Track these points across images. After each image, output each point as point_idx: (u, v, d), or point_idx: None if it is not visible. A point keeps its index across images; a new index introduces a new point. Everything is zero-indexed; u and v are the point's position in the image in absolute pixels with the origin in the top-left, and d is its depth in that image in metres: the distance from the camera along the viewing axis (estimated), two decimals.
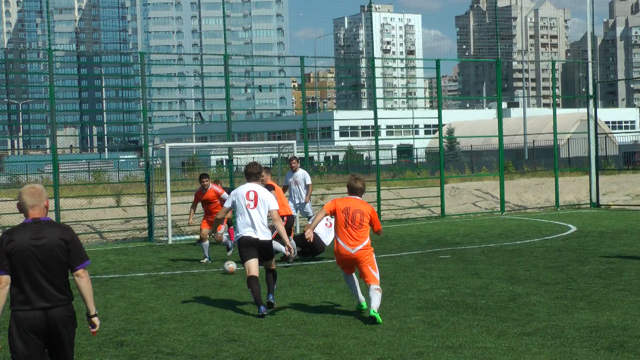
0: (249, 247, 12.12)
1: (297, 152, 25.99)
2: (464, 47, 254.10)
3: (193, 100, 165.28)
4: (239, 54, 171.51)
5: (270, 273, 12.45)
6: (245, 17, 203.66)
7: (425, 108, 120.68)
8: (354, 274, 11.92)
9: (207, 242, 18.54)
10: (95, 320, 7.07)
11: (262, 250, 12.22)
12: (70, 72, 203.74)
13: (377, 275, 11.57)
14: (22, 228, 6.84)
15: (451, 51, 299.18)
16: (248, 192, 12.33)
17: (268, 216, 12.27)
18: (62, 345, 6.87)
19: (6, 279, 6.74)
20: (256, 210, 12.19)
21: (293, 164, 20.82)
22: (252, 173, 12.54)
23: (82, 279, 6.92)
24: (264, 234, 12.20)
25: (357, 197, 11.83)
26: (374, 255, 11.66)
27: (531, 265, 16.07)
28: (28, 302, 6.75)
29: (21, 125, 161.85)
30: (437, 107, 30.55)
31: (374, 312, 11.07)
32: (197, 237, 20.63)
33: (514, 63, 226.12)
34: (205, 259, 18.50)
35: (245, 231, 12.13)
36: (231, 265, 16.27)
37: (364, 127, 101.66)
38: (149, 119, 42.72)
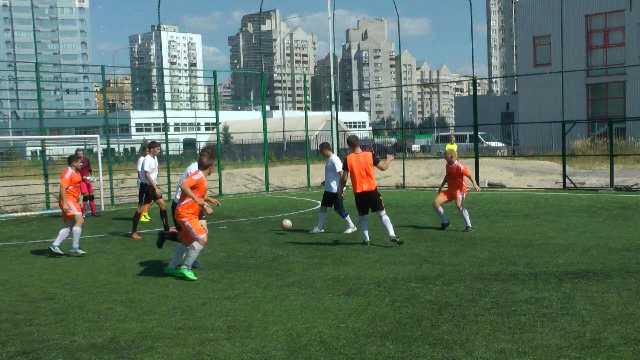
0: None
1: (100, 144, 25.15)
2: (235, 61, 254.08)
3: (8, 101, 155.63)
4: (48, 62, 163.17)
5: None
6: (54, 31, 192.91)
7: (205, 109, 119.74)
8: None
9: None
10: None
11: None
12: None
13: None
14: None
15: (225, 64, 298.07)
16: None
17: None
18: None
19: None
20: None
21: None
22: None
23: None
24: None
25: None
26: None
27: (289, 233, 16.42)
28: None
29: None
30: (214, 109, 30.49)
31: None
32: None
33: (275, 75, 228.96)
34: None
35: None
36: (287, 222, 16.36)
37: (155, 124, 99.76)
38: None
